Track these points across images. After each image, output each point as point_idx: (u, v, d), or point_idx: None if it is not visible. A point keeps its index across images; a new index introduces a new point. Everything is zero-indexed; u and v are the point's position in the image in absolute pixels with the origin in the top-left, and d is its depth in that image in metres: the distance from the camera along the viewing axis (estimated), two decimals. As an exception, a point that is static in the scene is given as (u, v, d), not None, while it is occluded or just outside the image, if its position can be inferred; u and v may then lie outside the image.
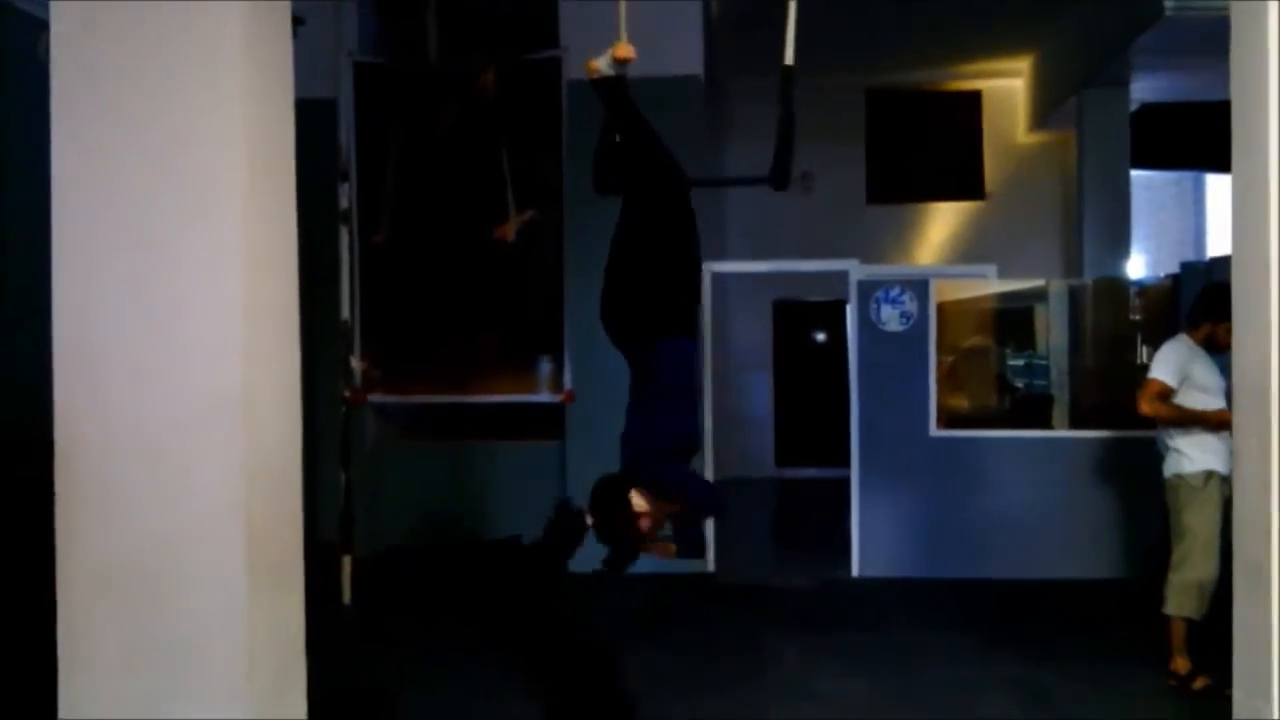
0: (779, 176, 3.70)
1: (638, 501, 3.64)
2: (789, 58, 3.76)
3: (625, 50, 3.74)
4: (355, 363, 7.13)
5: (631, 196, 3.77)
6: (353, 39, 7.34)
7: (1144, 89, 9.71)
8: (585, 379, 7.23)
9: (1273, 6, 3.06)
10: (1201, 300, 5.28)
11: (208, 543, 2.98)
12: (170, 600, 2.97)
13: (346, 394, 6.99)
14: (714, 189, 9.67)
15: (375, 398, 7.43)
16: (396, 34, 8.11)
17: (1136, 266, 11.07)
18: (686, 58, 7.36)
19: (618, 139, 3.81)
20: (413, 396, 7.59)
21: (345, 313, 6.93)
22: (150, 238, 3.00)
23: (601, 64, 3.75)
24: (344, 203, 6.88)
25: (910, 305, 7.27)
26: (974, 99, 11.88)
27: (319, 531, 6.86)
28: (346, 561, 6.67)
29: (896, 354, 7.26)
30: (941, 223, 11.92)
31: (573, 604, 6.82)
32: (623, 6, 3.83)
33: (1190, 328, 5.24)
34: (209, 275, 2.99)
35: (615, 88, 3.75)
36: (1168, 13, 7.13)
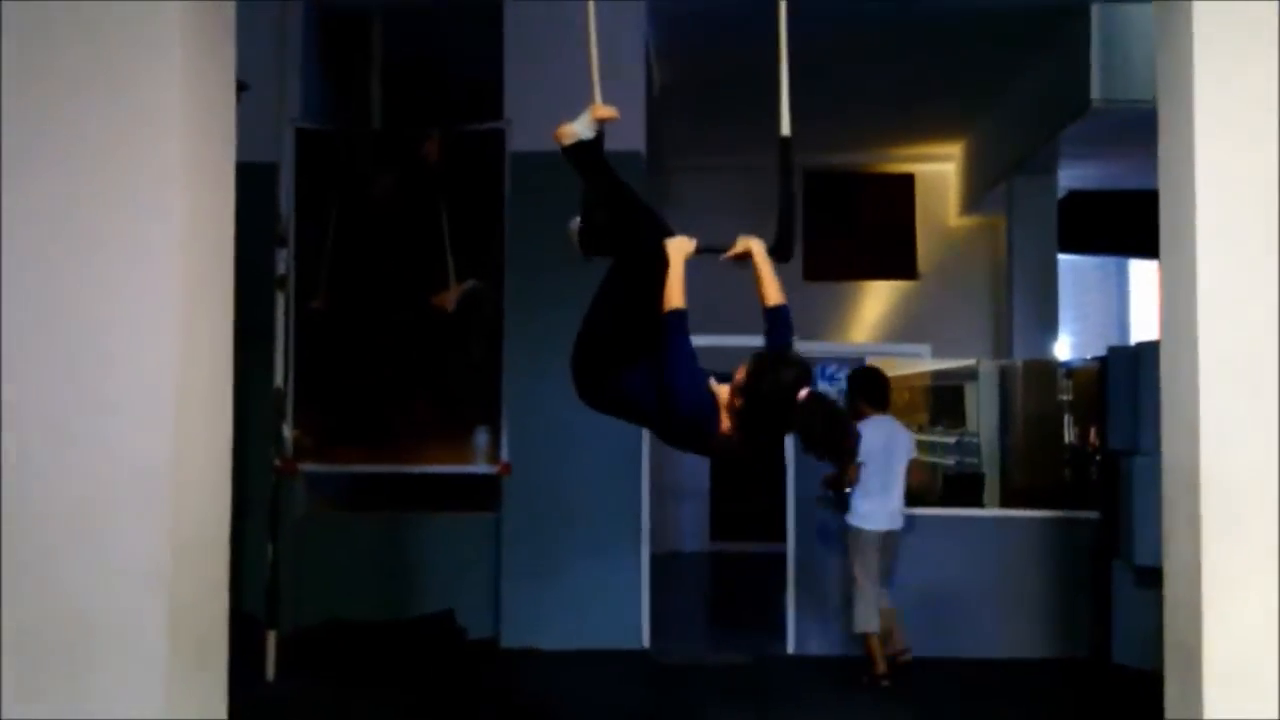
0: (783, 247, 3.78)
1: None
2: (785, 129, 3.86)
3: (605, 110, 3.74)
4: (287, 430, 6.99)
5: (625, 257, 3.71)
6: (296, 104, 7.33)
7: (1071, 177, 10.03)
8: (522, 450, 7.18)
9: (1198, 101, 3.19)
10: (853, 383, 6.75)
11: (129, 615, 2.87)
12: (86, 675, 2.85)
13: (277, 463, 6.85)
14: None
15: (307, 467, 7.29)
16: (341, 100, 8.12)
17: (1064, 348, 11.32)
18: (628, 134, 7.43)
19: (598, 208, 3.75)
20: (346, 465, 7.45)
21: (279, 379, 6.82)
22: (83, 299, 2.93)
23: (578, 127, 3.72)
24: (281, 268, 6.80)
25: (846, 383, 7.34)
26: (908, 181, 12.17)
27: (243, 604, 6.65)
28: (271, 637, 6.47)
29: (833, 430, 7.28)
30: (876, 301, 12.12)
31: (505, 682, 6.68)
32: (594, 64, 3.83)
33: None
34: (142, 339, 2.93)
35: (589, 152, 3.72)
36: (1095, 104, 7.39)
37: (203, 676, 3.11)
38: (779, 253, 3.76)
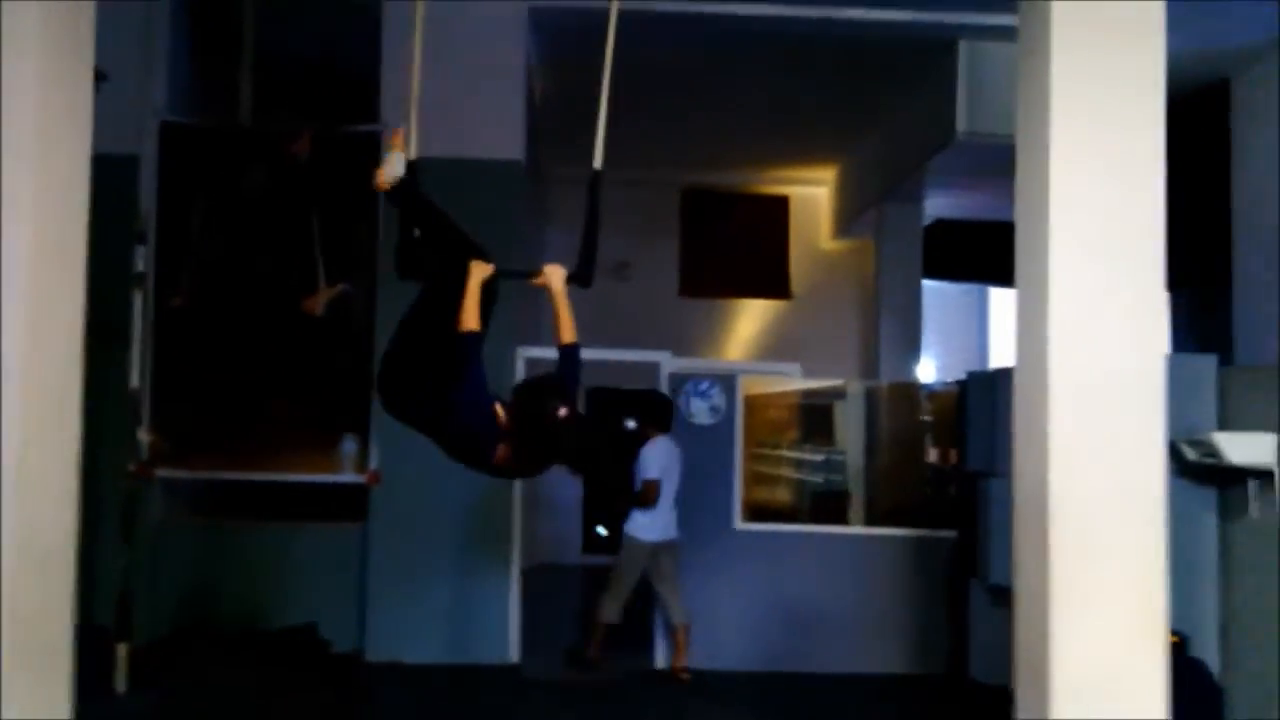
0: (584, 274, 3.90)
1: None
2: (598, 162, 3.97)
3: (400, 139, 3.89)
4: (142, 434, 6.71)
5: (433, 279, 3.84)
6: (161, 95, 7.06)
7: (937, 205, 10.38)
8: (392, 460, 7.04)
9: (1055, 134, 3.33)
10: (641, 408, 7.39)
11: (-41, 629, 2.71)
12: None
13: (131, 467, 6.57)
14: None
15: (163, 472, 7.01)
16: (209, 93, 7.85)
17: (928, 371, 11.69)
18: (508, 143, 7.41)
19: (415, 232, 3.92)
20: (205, 472, 7.20)
21: (134, 381, 6.55)
22: (-83, 292, 2.77)
23: (391, 168, 3.82)
24: (139, 265, 6.54)
25: (719, 399, 7.43)
26: (782, 204, 12.42)
27: (94, 615, 6.35)
28: (122, 648, 6.19)
29: (704, 446, 7.37)
30: (749, 319, 12.31)
31: (369, 696, 6.52)
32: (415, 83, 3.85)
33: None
34: (-16, 336, 2.77)
35: (407, 190, 3.85)
36: (960, 137, 7.65)
37: (44, 690, 2.95)
38: (580, 278, 3.91)
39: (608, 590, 7.12)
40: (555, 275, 3.88)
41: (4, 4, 2.77)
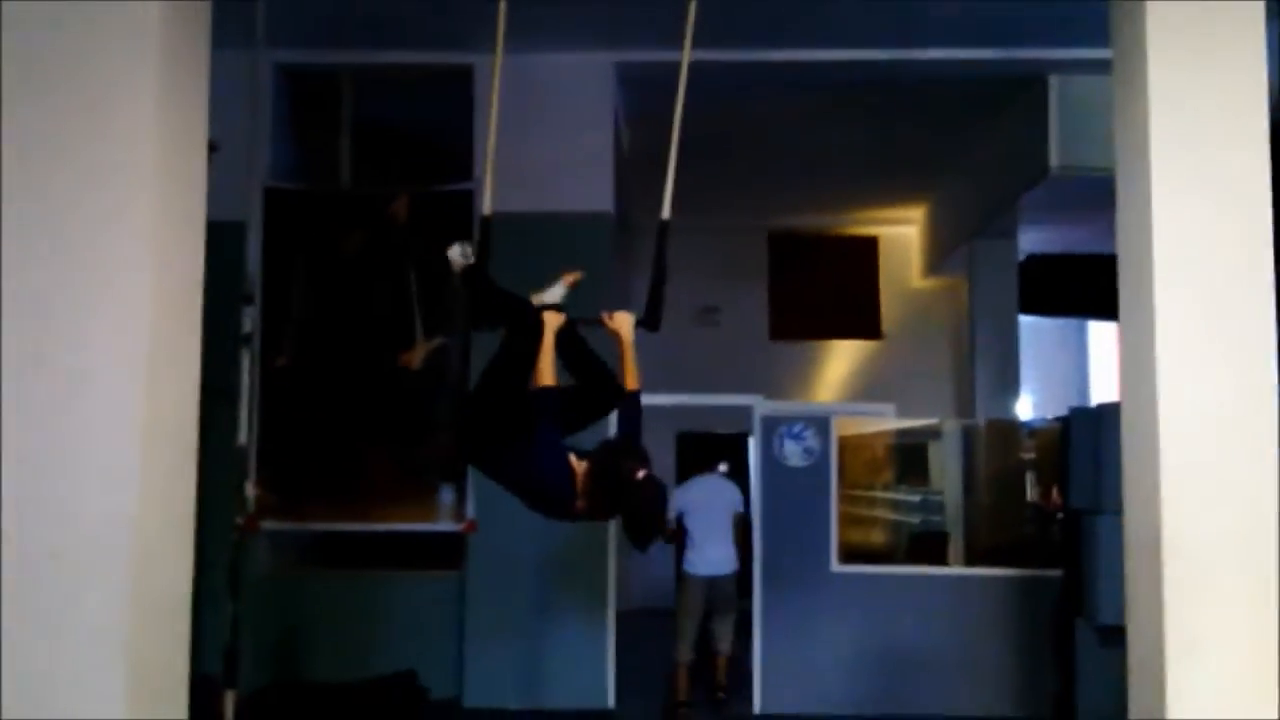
0: (653, 318, 3.97)
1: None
2: (666, 213, 4.05)
3: (458, 254, 4.11)
4: (249, 488, 6.91)
5: (510, 332, 3.94)
6: (265, 163, 7.34)
7: (1031, 240, 10.22)
8: (488, 508, 7.13)
9: (1155, 163, 3.27)
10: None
11: (88, 675, 2.82)
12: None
13: (239, 520, 6.75)
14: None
15: (269, 525, 7.19)
16: (310, 159, 8.14)
17: (1026, 408, 11.44)
18: (598, 195, 7.53)
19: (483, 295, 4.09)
20: (309, 524, 7.37)
21: (242, 437, 6.75)
22: (49, 354, 2.91)
23: (455, 254, 4.08)
24: (247, 325, 6.77)
25: (812, 441, 7.38)
26: (871, 244, 12.35)
27: (202, 665, 6.51)
28: (229, 697, 6.33)
29: (799, 489, 7.32)
30: (840, 361, 12.22)
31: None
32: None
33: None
34: (108, 396, 2.91)
35: (477, 276, 4.04)
36: (1053, 171, 7.55)
37: (162, 740, 3.05)
38: (648, 323, 3.98)
39: (675, 631, 7.38)
40: (625, 322, 3.95)
41: (126, 85, 2.94)
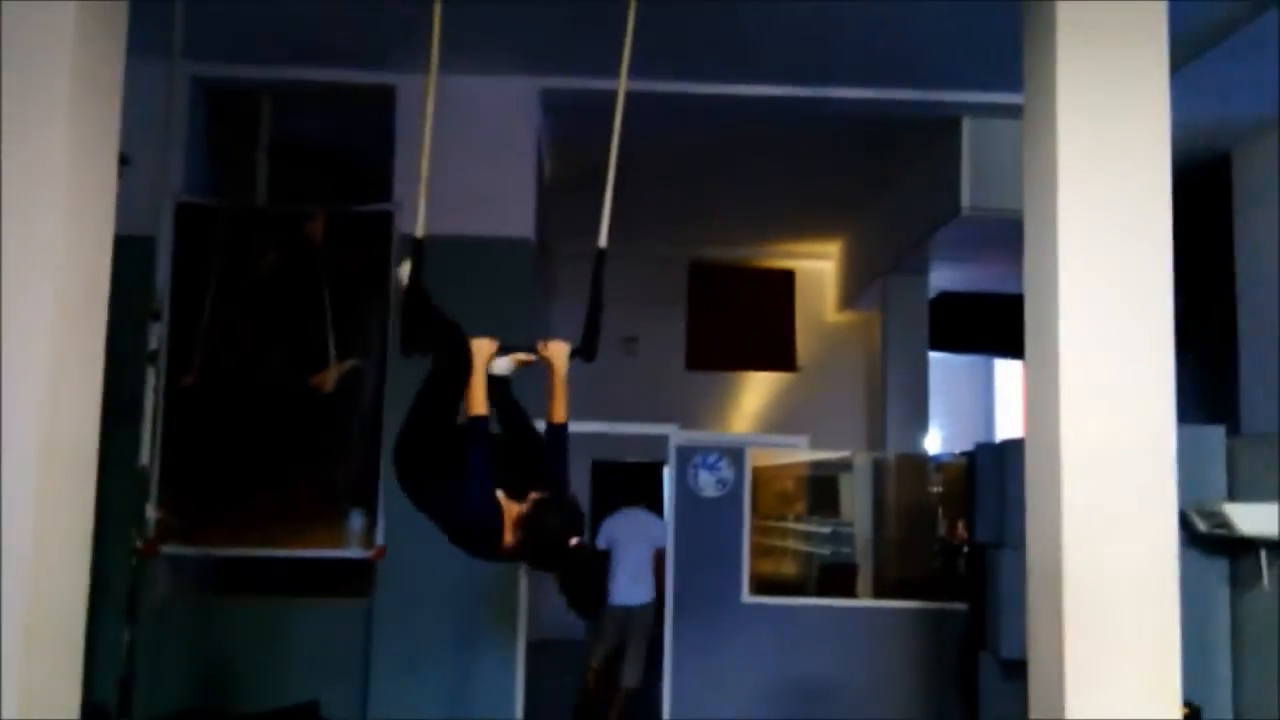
0: (588, 349, 3.89)
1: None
2: (603, 241, 4.02)
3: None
4: (150, 511, 6.71)
5: (439, 358, 3.85)
6: (179, 178, 7.19)
7: (942, 278, 10.46)
8: (398, 535, 7.02)
9: (1062, 207, 3.38)
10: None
11: (-30, 710, 2.70)
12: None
13: (138, 544, 6.55)
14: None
15: (169, 549, 6.98)
16: (225, 176, 7.99)
17: (935, 442, 11.67)
18: (519, 221, 7.51)
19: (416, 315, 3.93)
20: (211, 548, 7.17)
21: (144, 458, 6.57)
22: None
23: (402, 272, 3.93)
24: (154, 343, 6.60)
25: (726, 472, 7.43)
26: (788, 277, 12.52)
27: (96, 694, 6.29)
28: (122, 727, 6.12)
29: (712, 519, 7.36)
30: (756, 392, 12.34)
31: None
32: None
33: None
34: (6, 412, 2.81)
35: (412, 296, 3.87)
36: (964, 211, 7.75)
37: (48, 772, 2.93)
38: (585, 353, 3.90)
39: (590, 650, 7.81)
40: (559, 352, 3.86)
41: (36, 92, 2.86)
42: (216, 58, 7.14)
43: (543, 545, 3.54)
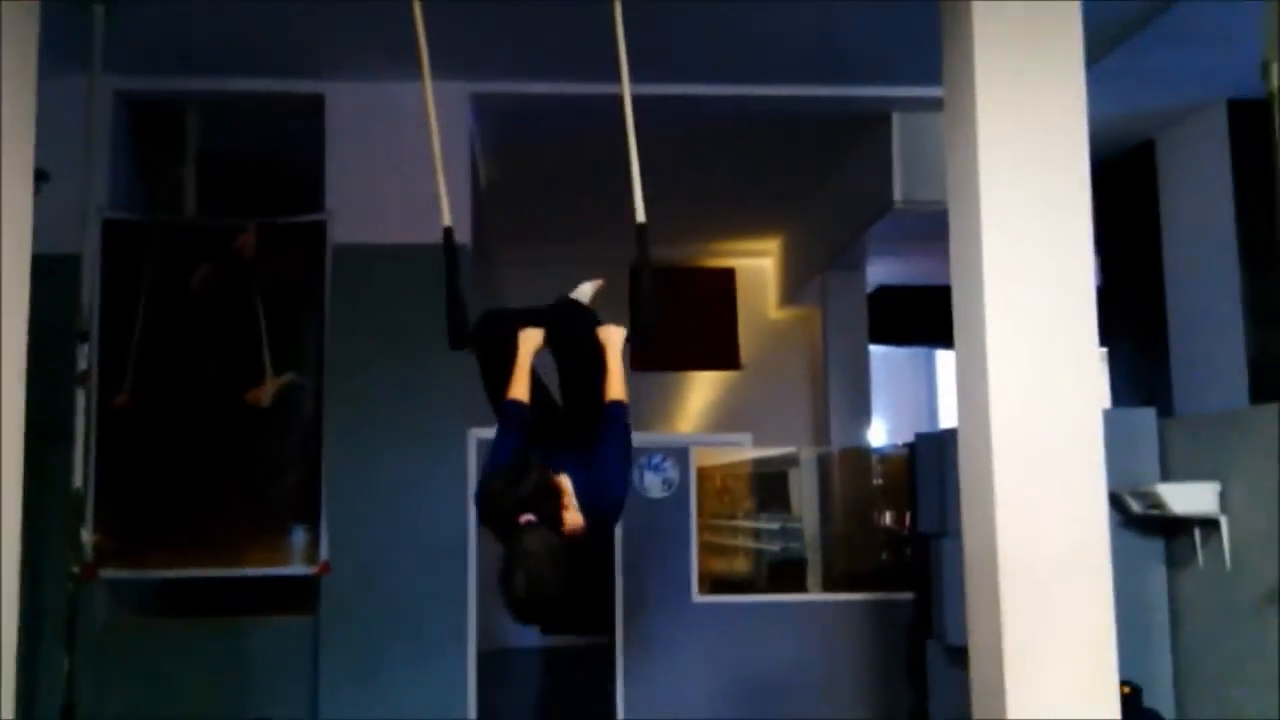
0: (646, 331, 3.92)
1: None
2: (640, 216, 4.10)
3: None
4: (86, 535, 6.57)
5: (484, 354, 3.91)
6: (103, 194, 7.04)
7: (879, 272, 10.56)
8: (342, 549, 6.94)
9: (984, 200, 3.43)
10: None
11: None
12: None
13: (75, 569, 6.41)
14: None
15: (108, 573, 6.85)
16: (152, 189, 7.84)
17: (879, 435, 11.79)
18: (455, 226, 7.43)
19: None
20: (151, 571, 7.03)
21: (77, 480, 6.43)
22: None
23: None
24: (83, 363, 6.46)
25: (672, 472, 7.45)
26: (729, 275, 12.57)
27: (33, 724, 6.15)
28: (64, 758, 5.98)
29: (659, 520, 7.37)
30: (701, 391, 12.38)
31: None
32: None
33: None
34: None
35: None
36: (897, 205, 7.84)
37: (-20, 808, 2.86)
38: (641, 337, 3.90)
39: None
40: (615, 335, 3.84)
41: (-60, 110, 2.78)
42: (139, 70, 7.00)
43: (492, 510, 3.28)
